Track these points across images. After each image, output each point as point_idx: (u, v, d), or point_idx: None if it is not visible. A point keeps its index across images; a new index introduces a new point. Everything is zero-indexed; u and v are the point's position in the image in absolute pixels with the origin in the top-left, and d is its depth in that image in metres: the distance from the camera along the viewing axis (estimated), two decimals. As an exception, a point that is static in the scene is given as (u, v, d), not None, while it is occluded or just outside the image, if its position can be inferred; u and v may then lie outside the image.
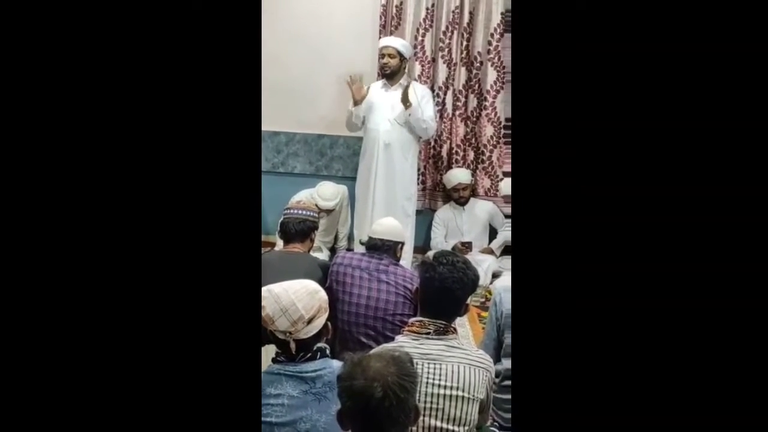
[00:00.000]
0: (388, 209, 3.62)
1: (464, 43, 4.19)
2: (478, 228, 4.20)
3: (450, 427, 1.68)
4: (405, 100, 3.59)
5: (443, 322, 1.78)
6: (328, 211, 3.96)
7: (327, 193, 3.97)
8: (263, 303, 1.63)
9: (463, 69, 4.22)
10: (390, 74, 3.71)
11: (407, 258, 3.59)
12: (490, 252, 4.11)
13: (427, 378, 1.69)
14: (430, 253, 1.94)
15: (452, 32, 4.15)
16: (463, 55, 4.20)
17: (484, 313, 3.40)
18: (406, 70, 3.86)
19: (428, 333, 1.75)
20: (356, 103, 3.65)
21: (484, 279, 3.73)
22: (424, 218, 4.31)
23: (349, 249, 4.14)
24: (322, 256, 3.87)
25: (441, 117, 4.25)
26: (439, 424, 1.68)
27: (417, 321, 1.80)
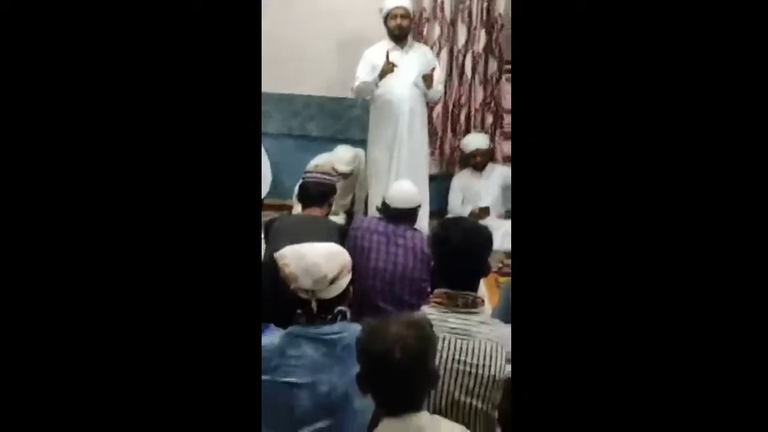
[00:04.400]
0: (411, 174, 3.59)
1: (485, 4, 4.10)
2: (495, 193, 4.17)
3: (474, 402, 1.66)
4: (429, 84, 3.60)
5: (471, 294, 1.74)
6: (346, 175, 3.95)
7: (345, 157, 3.96)
8: (287, 261, 1.65)
9: (483, 31, 4.14)
10: (402, 36, 3.66)
11: (424, 224, 3.59)
12: (508, 217, 4.09)
13: (455, 353, 1.66)
14: (431, 225, 1.89)
15: (473, -7, 4.08)
16: (484, 18, 4.12)
17: (502, 279, 3.40)
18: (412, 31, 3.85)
19: (456, 306, 1.72)
20: (383, 76, 3.60)
21: (501, 244, 3.72)
22: (441, 183, 4.29)
23: (365, 213, 4.15)
24: (339, 219, 3.87)
25: (460, 81, 4.20)
26: (463, 398, 1.66)
27: (443, 293, 1.75)
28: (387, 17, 3.64)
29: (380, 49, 3.72)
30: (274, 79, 4.29)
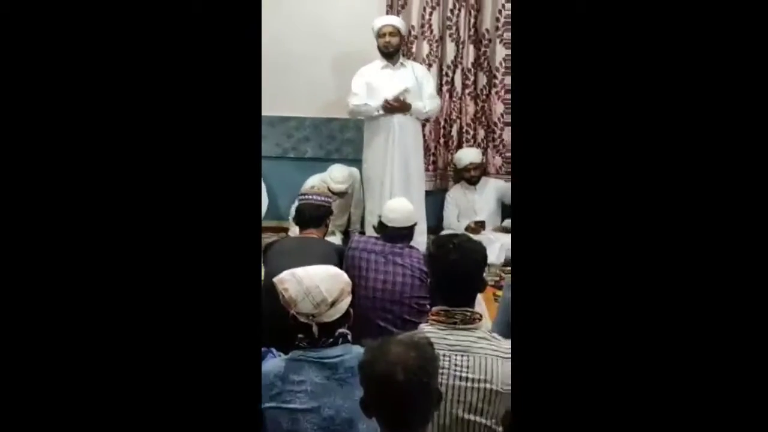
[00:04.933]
0: (405, 191, 3.61)
1: (472, 20, 4.15)
2: (490, 207, 4.19)
3: (477, 419, 1.66)
4: (407, 109, 3.63)
5: (469, 310, 1.75)
6: (341, 194, 3.97)
7: (339, 175, 3.98)
8: (286, 285, 1.66)
9: (472, 47, 4.18)
10: (392, 53, 3.70)
11: (422, 240, 3.60)
12: (503, 230, 4.10)
13: (455, 370, 1.66)
14: (428, 242, 1.90)
15: (459, 10, 4.11)
16: (471, 33, 4.16)
17: (499, 292, 3.40)
18: (403, 48, 3.88)
19: (455, 323, 1.72)
20: (390, 112, 3.65)
21: (497, 258, 3.74)
22: (435, 198, 4.31)
23: (362, 232, 4.15)
24: (336, 239, 3.88)
25: (450, 96, 4.23)
26: (466, 416, 1.66)
27: (442, 310, 1.75)
28: (377, 35, 3.69)
29: (375, 66, 3.78)
30: (267, 102, 4.31)
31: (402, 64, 3.76)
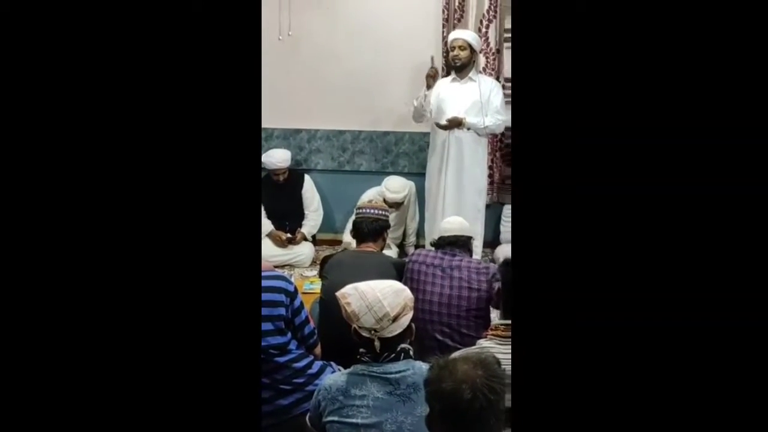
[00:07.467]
0: (458, 204, 3.60)
1: (530, 32, 4.11)
2: (548, 221, 4.11)
3: None
4: (459, 125, 3.60)
5: None
6: (397, 205, 3.96)
7: (395, 185, 3.98)
8: (349, 299, 1.65)
9: (529, 59, 4.13)
10: (460, 67, 3.69)
11: (477, 252, 3.56)
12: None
13: None
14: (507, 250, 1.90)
15: (517, 22, 4.08)
16: (529, 45, 4.12)
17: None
18: (476, 63, 3.84)
19: None
20: (429, 87, 3.67)
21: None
22: (493, 212, 4.26)
23: (418, 245, 4.14)
24: (391, 252, 3.87)
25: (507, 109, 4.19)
26: None
27: (502, 325, 1.75)
28: (449, 49, 3.73)
29: (447, 79, 3.81)
30: (322, 116, 4.38)
31: (471, 78, 3.72)
